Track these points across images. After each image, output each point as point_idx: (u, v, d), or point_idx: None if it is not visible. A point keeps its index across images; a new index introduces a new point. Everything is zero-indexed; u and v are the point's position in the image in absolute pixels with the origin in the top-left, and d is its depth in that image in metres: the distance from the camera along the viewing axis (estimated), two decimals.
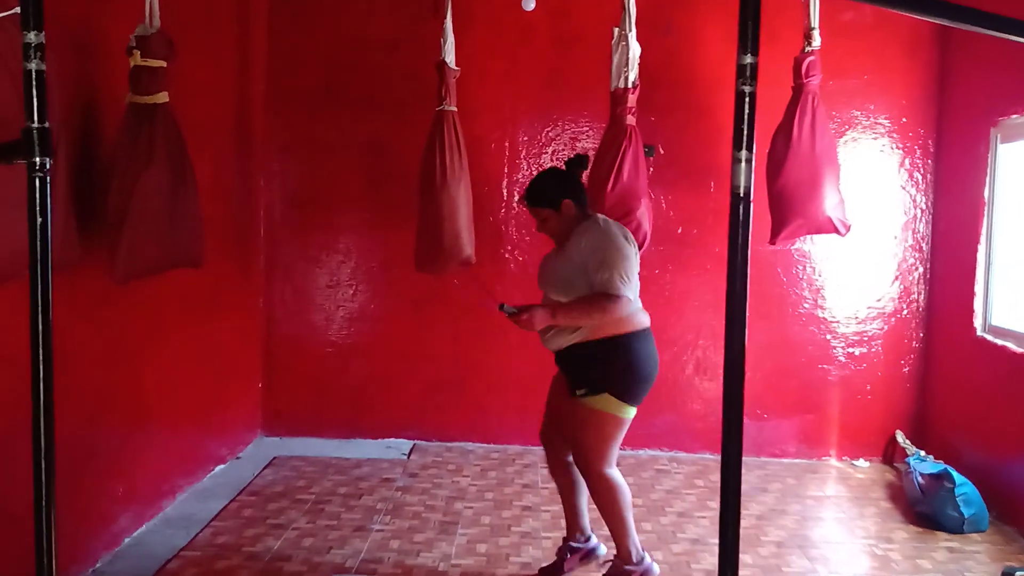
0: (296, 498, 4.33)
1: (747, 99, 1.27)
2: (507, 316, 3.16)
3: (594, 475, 3.23)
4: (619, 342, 3.17)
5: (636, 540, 3.33)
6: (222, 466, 4.77)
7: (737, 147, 1.30)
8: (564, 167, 3.44)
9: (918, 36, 5.04)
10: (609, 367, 3.16)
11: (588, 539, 3.52)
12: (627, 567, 3.30)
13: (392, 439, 5.33)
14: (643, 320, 3.24)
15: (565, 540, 3.56)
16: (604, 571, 3.41)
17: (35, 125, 1.28)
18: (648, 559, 3.35)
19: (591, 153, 4.55)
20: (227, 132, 4.80)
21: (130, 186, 3.11)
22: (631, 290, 3.14)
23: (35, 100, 1.26)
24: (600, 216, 3.35)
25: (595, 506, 3.32)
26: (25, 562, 1.50)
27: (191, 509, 4.13)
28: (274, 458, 4.96)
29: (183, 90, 3.62)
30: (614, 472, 3.26)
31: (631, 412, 3.21)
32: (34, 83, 1.26)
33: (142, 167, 3.13)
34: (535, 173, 5.20)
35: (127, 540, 3.71)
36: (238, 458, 4.96)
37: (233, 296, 4.97)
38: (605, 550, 3.50)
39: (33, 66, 1.25)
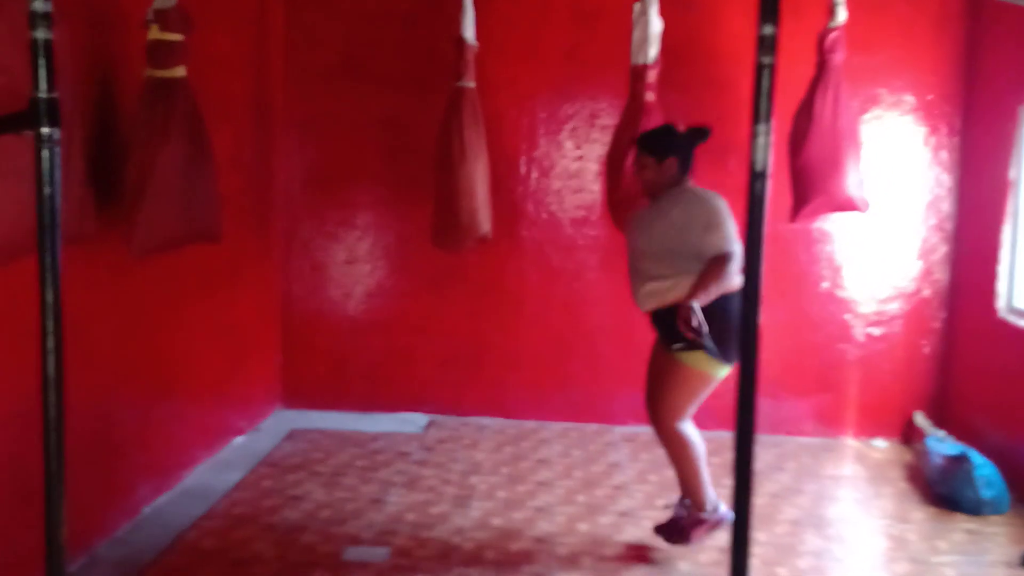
0: (313, 470, 4.36)
1: (766, 71, 1.25)
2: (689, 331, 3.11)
3: (666, 430, 3.28)
4: (715, 301, 3.17)
5: (710, 491, 3.36)
6: (240, 438, 4.81)
7: (756, 120, 1.27)
8: (684, 130, 3.46)
9: (946, 9, 4.92)
10: (706, 325, 3.17)
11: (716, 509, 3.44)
12: (701, 515, 3.33)
13: (408, 413, 5.35)
14: (739, 281, 3.18)
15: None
16: (672, 514, 3.45)
17: (43, 95, 1.25)
18: (723, 508, 3.36)
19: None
20: (245, 107, 4.79)
21: (148, 161, 3.10)
22: (738, 246, 3.14)
23: (42, 69, 1.24)
24: (694, 185, 3.38)
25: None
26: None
27: (209, 480, 4.17)
28: (292, 431, 5.00)
29: (201, 64, 3.62)
30: (686, 427, 3.29)
31: (723, 371, 3.25)
32: (41, 51, 1.24)
33: (160, 142, 3.13)
34: (552, 150, 5.21)
35: (146, 510, 3.76)
36: (256, 430, 5.00)
37: (251, 270, 4.98)
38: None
39: (40, 34, 1.23)
